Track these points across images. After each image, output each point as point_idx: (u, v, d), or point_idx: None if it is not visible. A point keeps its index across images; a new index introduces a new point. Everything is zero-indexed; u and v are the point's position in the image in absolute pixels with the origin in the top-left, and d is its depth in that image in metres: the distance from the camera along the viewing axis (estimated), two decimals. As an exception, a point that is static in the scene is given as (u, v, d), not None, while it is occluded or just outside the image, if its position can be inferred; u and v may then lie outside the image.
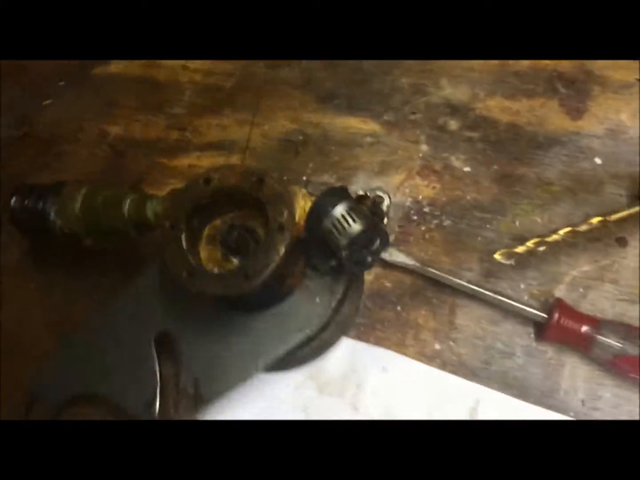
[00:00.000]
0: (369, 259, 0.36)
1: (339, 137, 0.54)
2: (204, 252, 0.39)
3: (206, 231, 0.40)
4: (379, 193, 0.38)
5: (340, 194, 0.36)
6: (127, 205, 0.40)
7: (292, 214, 0.36)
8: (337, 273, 0.40)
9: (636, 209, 0.46)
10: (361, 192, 0.38)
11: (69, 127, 0.55)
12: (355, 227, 0.35)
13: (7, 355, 0.45)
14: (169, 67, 0.58)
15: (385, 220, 0.39)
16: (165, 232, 0.38)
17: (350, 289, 0.41)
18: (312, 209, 0.36)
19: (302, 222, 0.37)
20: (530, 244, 0.45)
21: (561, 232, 0.45)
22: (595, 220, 0.45)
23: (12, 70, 0.58)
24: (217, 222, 0.40)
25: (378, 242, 0.36)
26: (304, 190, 0.38)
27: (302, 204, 0.37)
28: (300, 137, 0.54)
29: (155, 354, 0.41)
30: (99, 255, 0.48)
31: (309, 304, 0.40)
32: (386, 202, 0.38)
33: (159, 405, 0.40)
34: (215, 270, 0.37)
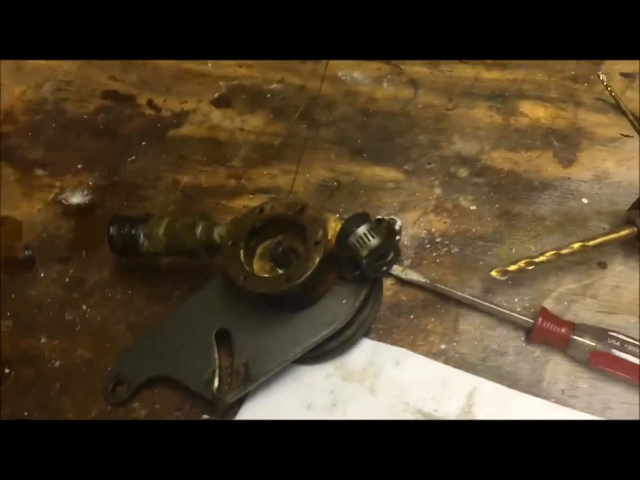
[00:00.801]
0: (384, 267, 0.47)
1: (366, 183, 0.65)
2: (256, 265, 0.51)
3: (259, 250, 0.51)
4: (393, 217, 0.49)
5: (362, 217, 0.47)
6: (199, 230, 0.52)
7: (325, 233, 0.48)
8: (360, 281, 0.50)
9: (610, 236, 0.55)
10: (379, 217, 0.49)
11: (148, 177, 0.68)
12: (374, 241, 0.46)
13: (97, 349, 0.57)
14: (229, 129, 0.71)
15: (398, 237, 0.49)
16: (228, 249, 0.50)
17: (371, 295, 0.52)
18: (341, 229, 0.47)
19: (333, 240, 0.48)
20: (521, 263, 0.54)
21: (547, 254, 0.55)
22: (576, 245, 0.55)
23: (104, 132, 0.72)
24: (267, 242, 0.51)
25: (391, 254, 0.47)
26: (335, 216, 0.49)
27: (334, 226, 0.49)
28: (335, 183, 0.66)
29: (215, 345, 0.52)
30: (171, 272, 0.60)
31: (337, 304, 0.50)
32: (398, 224, 0.49)
33: (217, 383, 0.51)
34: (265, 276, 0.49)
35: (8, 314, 0.59)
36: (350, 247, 0.47)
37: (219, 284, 0.54)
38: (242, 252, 0.49)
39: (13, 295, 0.60)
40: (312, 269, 0.46)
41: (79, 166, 0.69)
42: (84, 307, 0.59)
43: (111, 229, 0.54)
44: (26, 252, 0.63)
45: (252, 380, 0.50)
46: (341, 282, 0.51)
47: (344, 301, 0.50)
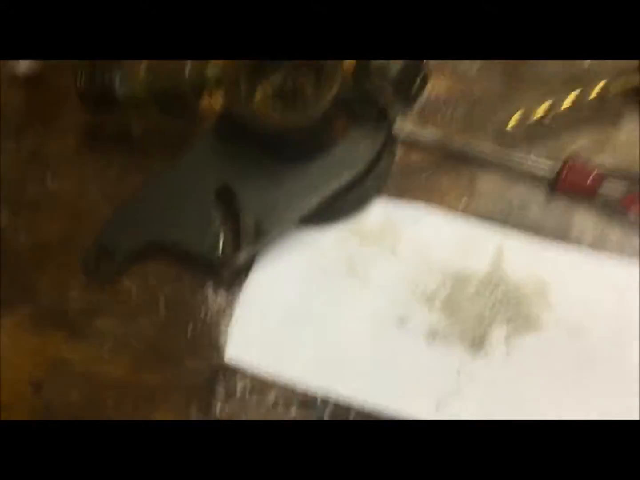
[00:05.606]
0: (414, 91, 0.42)
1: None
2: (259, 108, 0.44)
3: (259, 90, 0.45)
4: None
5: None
6: (187, 68, 0.45)
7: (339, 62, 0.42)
8: (377, 122, 0.45)
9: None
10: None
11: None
12: (395, 66, 0.41)
13: (71, 223, 0.50)
14: None
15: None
16: (228, 89, 0.43)
17: (386, 146, 0.47)
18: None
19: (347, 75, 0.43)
20: (538, 114, 0.51)
21: (564, 104, 0.51)
22: (595, 90, 0.51)
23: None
24: (269, 80, 0.45)
25: (419, 80, 0.42)
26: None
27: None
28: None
29: (217, 204, 0.46)
30: (147, 140, 0.53)
31: (352, 151, 0.45)
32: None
33: (222, 246, 0.45)
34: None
35: (-39, 192, 0.51)
36: (371, 76, 0.41)
37: (214, 136, 0.47)
38: (245, 90, 0.43)
39: (-34, 173, 0.51)
40: (331, 98, 0.41)
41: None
42: (49, 180, 0.51)
43: (79, 75, 0.46)
44: (-25, 126, 0.54)
45: (264, 235, 0.44)
46: (356, 126, 0.45)
47: (360, 147, 0.45)
